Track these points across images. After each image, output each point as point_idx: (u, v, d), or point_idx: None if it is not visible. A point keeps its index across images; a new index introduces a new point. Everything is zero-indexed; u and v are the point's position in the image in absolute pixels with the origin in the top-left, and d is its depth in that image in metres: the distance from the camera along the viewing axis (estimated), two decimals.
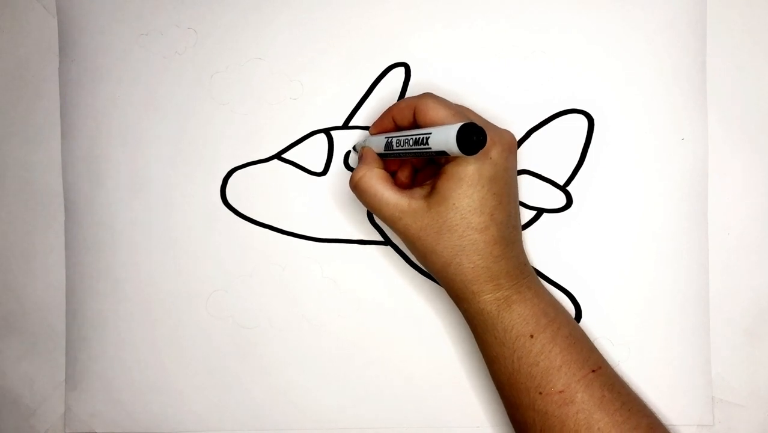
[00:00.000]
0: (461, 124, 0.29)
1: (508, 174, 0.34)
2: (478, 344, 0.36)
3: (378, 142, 0.36)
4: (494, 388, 0.39)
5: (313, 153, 0.41)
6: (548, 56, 0.40)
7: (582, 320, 0.39)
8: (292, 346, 0.41)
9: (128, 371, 0.42)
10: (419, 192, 0.34)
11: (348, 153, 0.41)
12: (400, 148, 0.34)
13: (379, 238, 0.41)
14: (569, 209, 0.40)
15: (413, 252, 0.35)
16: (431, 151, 0.31)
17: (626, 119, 0.40)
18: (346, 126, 0.41)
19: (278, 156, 0.41)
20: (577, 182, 0.40)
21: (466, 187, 0.32)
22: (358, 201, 0.40)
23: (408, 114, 0.35)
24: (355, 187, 0.35)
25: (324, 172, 0.41)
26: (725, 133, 0.40)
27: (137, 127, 0.41)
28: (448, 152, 0.30)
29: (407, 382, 0.40)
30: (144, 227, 0.41)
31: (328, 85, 0.41)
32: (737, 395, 0.39)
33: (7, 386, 0.43)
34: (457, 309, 0.39)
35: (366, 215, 0.41)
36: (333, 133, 0.41)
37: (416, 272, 0.40)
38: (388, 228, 0.36)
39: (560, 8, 0.40)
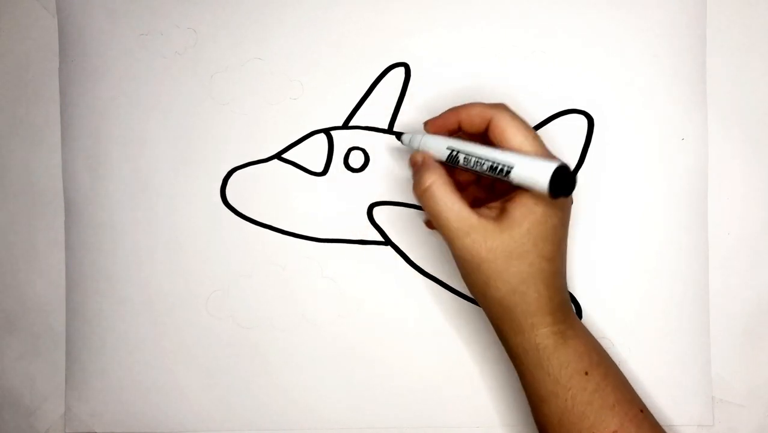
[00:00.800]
0: (556, 166, 0.28)
1: (570, 205, 0.33)
2: (526, 382, 0.34)
3: (437, 148, 0.33)
4: (495, 388, 0.39)
5: (313, 153, 0.41)
6: (548, 56, 0.40)
7: (582, 320, 0.39)
8: (292, 346, 0.41)
9: (128, 371, 0.42)
10: (487, 212, 0.32)
11: (348, 153, 0.41)
12: (468, 166, 0.32)
13: (379, 238, 0.41)
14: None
15: (473, 275, 0.32)
16: (507, 181, 0.30)
17: (626, 119, 0.40)
18: (346, 126, 0.41)
19: (278, 156, 0.41)
20: (577, 182, 0.40)
21: (541, 214, 0.31)
22: (358, 201, 0.41)
23: (480, 123, 0.33)
24: (423, 194, 0.32)
25: (324, 172, 0.41)
26: (725, 133, 0.40)
27: (137, 127, 0.41)
28: (531, 189, 0.29)
29: (407, 382, 0.40)
30: (144, 227, 0.41)
31: (328, 85, 0.41)
32: (737, 395, 0.39)
33: (7, 386, 0.43)
34: (457, 309, 0.39)
35: (366, 215, 0.41)
36: (333, 133, 0.41)
37: (416, 272, 0.40)
38: (447, 247, 0.33)
39: (560, 8, 0.40)
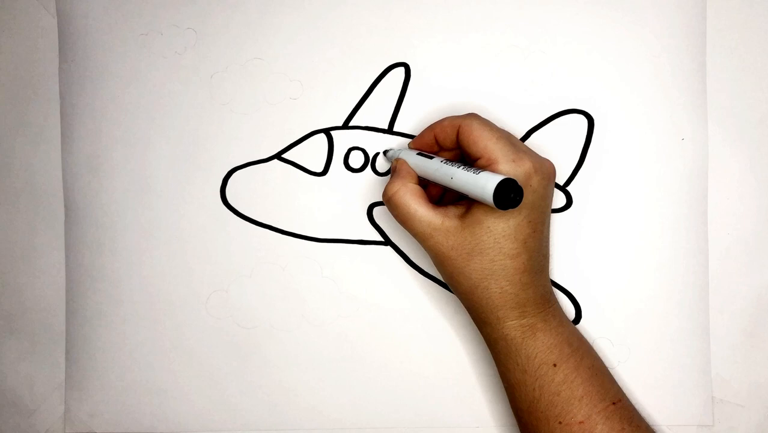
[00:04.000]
0: (499, 180, 0.29)
1: (545, 203, 0.33)
2: (499, 370, 0.36)
3: (413, 162, 0.36)
4: (494, 388, 0.39)
5: (313, 153, 0.41)
6: (548, 56, 0.40)
7: (582, 320, 0.39)
8: (292, 346, 0.41)
9: (128, 371, 0.42)
10: (453, 211, 0.34)
11: (348, 153, 0.41)
12: (436, 182, 0.34)
13: (379, 238, 0.41)
14: (569, 209, 0.40)
15: (441, 271, 0.35)
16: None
17: (626, 119, 0.40)
18: (346, 126, 0.41)
19: (278, 156, 0.41)
20: (577, 182, 0.40)
21: (502, 212, 0.32)
22: (358, 201, 0.41)
23: (451, 133, 0.34)
24: (389, 201, 0.35)
25: (324, 173, 0.41)
26: (725, 133, 0.40)
27: (137, 127, 0.41)
28: (484, 203, 0.30)
29: (407, 382, 0.40)
30: (144, 227, 0.41)
31: (328, 85, 0.41)
32: (737, 395, 0.39)
33: (7, 386, 0.43)
34: (456, 309, 0.39)
35: (366, 215, 0.41)
36: (333, 133, 0.41)
37: (416, 272, 0.40)
38: (419, 244, 0.35)
39: (560, 9, 0.40)
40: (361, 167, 0.41)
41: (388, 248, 0.41)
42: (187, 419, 0.41)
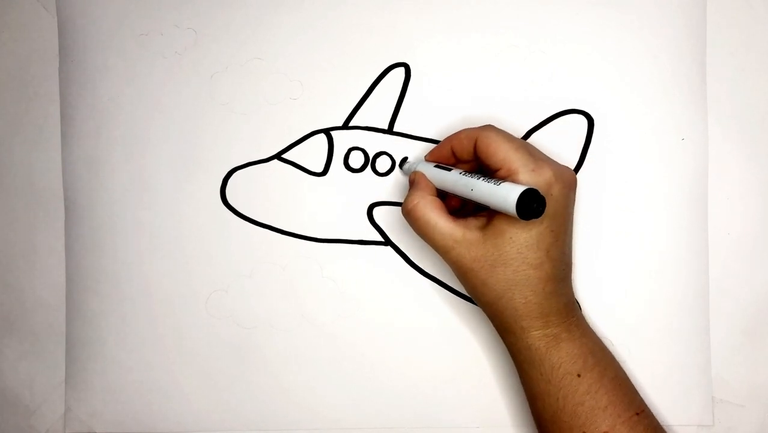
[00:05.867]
0: (521, 191, 0.29)
1: (567, 211, 0.33)
2: (522, 379, 0.35)
3: (431, 175, 0.36)
4: (495, 388, 0.39)
5: (313, 153, 0.41)
6: (548, 56, 0.40)
7: None
8: (292, 346, 0.41)
9: (128, 370, 0.42)
10: (474, 223, 0.33)
11: (348, 153, 0.41)
12: (455, 194, 0.34)
13: (379, 238, 0.41)
14: None
15: (463, 283, 0.35)
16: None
17: (626, 119, 0.40)
18: (346, 126, 0.41)
19: (278, 156, 0.41)
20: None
21: (525, 223, 0.31)
22: (358, 201, 0.41)
23: (468, 145, 0.34)
24: (408, 214, 0.34)
25: (324, 173, 0.41)
26: (725, 133, 0.40)
27: (137, 127, 0.41)
28: (506, 213, 0.30)
29: (407, 382, 0.40)
30: (144, 227, 0.41)
31: (328, 85, 0.41)
32: (737, 395, 0.39)
33: (7, 386, 0.43)
34: (456, 309, 0.39)
35: (366, 215, 0.41)
36: (333, 133, 0.41)
37: (416, 272, 0.40)
38: (441, 258, 0.35)
39: (560, 9, 0.40)
40: (361, 167, 0.41)
41: (388, 248, 0.41)
42: (187, 419, 0.41)
